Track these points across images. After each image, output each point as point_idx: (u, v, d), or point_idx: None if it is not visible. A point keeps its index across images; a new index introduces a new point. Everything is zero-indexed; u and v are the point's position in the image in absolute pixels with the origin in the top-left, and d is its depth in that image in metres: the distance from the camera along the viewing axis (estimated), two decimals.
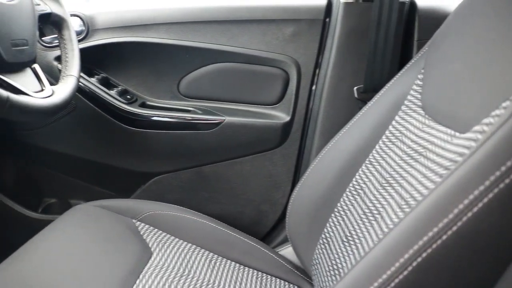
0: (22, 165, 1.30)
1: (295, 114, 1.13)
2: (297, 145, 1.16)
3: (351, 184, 0.75)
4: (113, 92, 1.14)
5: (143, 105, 1.18)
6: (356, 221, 0.70)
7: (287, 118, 1.13)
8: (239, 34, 1.11)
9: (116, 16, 1.14)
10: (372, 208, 0.67)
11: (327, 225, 0.78)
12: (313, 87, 1.12)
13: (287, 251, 1.04)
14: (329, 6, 1.08)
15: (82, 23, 1.12)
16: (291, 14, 1.09)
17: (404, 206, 0.57)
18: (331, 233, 0.76)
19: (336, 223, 0.75)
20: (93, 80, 1.13)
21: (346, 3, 1.03)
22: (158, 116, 1.13)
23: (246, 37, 1.11)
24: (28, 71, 0.83)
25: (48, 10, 0.90)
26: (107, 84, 1.17)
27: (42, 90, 0.81)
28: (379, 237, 0.60)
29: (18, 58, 0.78)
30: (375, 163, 0.72)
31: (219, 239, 0.95)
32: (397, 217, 0.58)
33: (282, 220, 1.24)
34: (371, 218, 0.66)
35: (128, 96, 1.16)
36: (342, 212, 0.75)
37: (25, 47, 0.79)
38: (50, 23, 0.92)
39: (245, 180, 1.18)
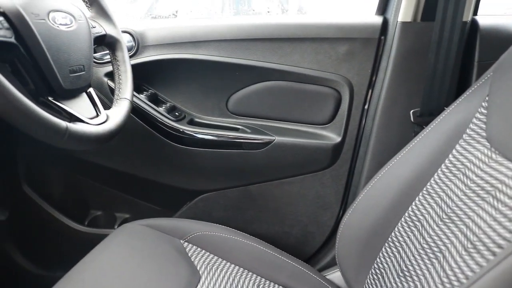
0: (70, 178, 1.36)
1: (347, 135, 1.14)
2: (347, 167, 1.16)
3: (406, 214, 0.75)
4: (161, 109, 1.17)
5: (191, 122, 1.20)
6: (413, 256, 0.70)
7: (338, 139, 1.14)
8: (290, 52, 1.12)
9: (166, 33, 1.17)
10: (432, 244, 0.67)
11: (380, 254, 0.78)
12: (366, 108, 1.13)
13: (335, 275, 1.05)
14: (384, 24, 1.08)
15: (132, 40, 1.17)
16: (345, 32, 1.09)
17: (472, 250, 0.58)
18: (385, 264, 0.76)
19: (391, 254, 0.76)
20: (142, 96, 1.17)
21: (404, 22, 1.03)
22: (206, 134, 1.16)
23: (297, 55, 1.12)
24: (84, 96, 0.85)
25: (103, 32, 0.92)
26: (155, 100, 1.21)
27: (97, 115, 0.83)
28: (443, 279, 0.60)
29: (75, 84, 0.80)
30: (434, 195, 0.72)
31: (266, 262, 0.97)
32: (463, 260, 0.58)
33: (329, 242, 1.25)
34: (432, 255, 0.66)
35: (177, 113, 1.19)
36: (397, 243, 0.75)
37: (82, 73, 0.81)
38: (104, 44, 0.94)
39: (293, 200, 1.19)
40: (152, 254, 0.92)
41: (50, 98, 0.75)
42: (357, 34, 1.08)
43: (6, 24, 0.68)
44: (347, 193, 1.19)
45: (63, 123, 0.68)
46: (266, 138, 1.13)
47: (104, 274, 0.84)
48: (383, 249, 0.78)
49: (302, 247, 1.23)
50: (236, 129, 1.18)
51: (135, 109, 1.15)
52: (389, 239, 0.76)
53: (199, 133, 1.16)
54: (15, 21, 0.69)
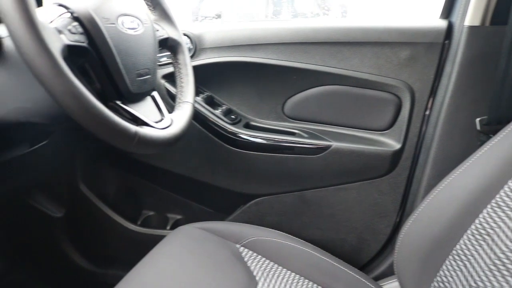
0: (125, 178, 1.41)
1: (406, 142, 1.13)
2: (406, 175, 1.15)
3: (473, 227, 0.74)
4: (218, 112, 1.20)
5: (247, 126, 1.22)
6: (483, 271, 0.69)
7: (397, 145, 1.13)
8: (350, 57, 1.12)
9: (224, 36, 1.19)
10: (506, 261, 0.66)
11: (444, 267, 0.78)
12: (428, 115, 1.12)
13: (392, 286, 1.05)
14: (449, 28, 1.06)
15: (190, 42, 1.20)
16: (407, 37, 1.08)
17: None
18: (449, 278, 0.76)
19: (456, 268, 0.75)
20: (198, 99, 1.19)
21: (472, 27, 1.00)
22: (263, 138, 1.18)
23: (357, 59, 1.12)
24: (148, 99, 0.87)
25: (166, 35, 0.94)
26: (211, 103, 1.23)
27: (162, 119, 0.85)
28: None
29: (142, 88, 0.82)
30: (505, 207, 0.71)
31: (323, 270, 0.98)
32: None
33: (384, 251, 1.24)
34: (506, 273, 0.65)
35: (233, 116, 1.21)
36: (463, 257, 0.74)
37: (147, 76, 0.83)
38: (166, 47, 0.96)
39: (349, 207, 1.19)
40: (210, 258, 0.94)
41: (118, 102, 0.78)
42: (420, 39, 1.07)
43: (80, 29, 0.72)
44: (405, 201, 1.18)
45: (132, 128, 0.71)
46: (323, 143, 1.14)
47: (164, 276, 0.86)
48: (447, 262, 0.77)
49: (357, 255, 1.23)
50: (293, 134, 1.19)
51: None
52: (454, 251, 0.76)
53: (255, 136, 1.17)
54: (88, 26, 0.72)
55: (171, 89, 1.17)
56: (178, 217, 1.39)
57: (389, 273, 1.20)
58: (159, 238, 1.25)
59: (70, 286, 1.45)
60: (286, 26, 1.17)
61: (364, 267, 1.25)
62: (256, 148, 1.17)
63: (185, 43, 1.00)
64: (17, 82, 0.74)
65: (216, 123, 1.17)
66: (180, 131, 0.85)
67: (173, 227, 1.37)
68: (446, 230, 0.77)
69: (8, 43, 0.74)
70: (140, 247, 1.30)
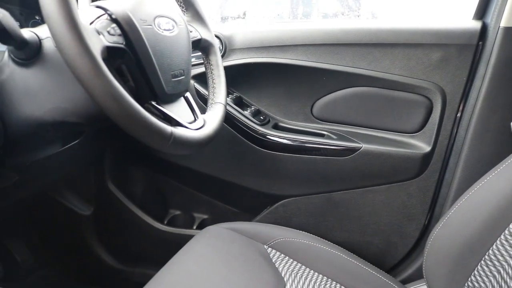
0: (152, 178, 1.43)
1: (437, 144, 1.12)
2: (435, 178, 1.14)
3: (507, 232, 0.74)
4: (247, 113, 1.20)
5: (276, 127, 1.22)
6: None
7: (427, 148, 1.12)
8: (381, 58, 1.11)
9: (253, 37, 1.20)
10: None
11: (475, 272, 0.77)
12: (459, 117, 1.11)
13: None
14: (483, 30, 1.05)
15: (220, 43, 1.21)
16: (440, 38, 1.07)
17: None
18: (482, 284, 0.75)
19: (489, 273, 0.75)
20: (227, 99, 1.21)
21: (508, 28, 0.99)
22: (291, 140, 1.18)
23: (388, 61, 1.11)
24: (181, 100, 0.88)
25: (199, 37, 0.94)
26: (240, 103, 1.24)
27: (195, 120, 0.86)
28: None
29: (176, 89, 0.83)
30: None
31: (351, 273, 0.98)
32: None
33: (412, 254, 1.24)
34: None
35: (261, 117, 1.21)
36: (496, 262, 0.74)
37: (182, 77, 0.84)
38: (199, 48, 0.97)
39: (377, 209, 1.19)
40: (238, 258, 0.94)
41: (153, 103, 0.78)
42: (453, 40, 1.06)
43: (118, 31, 0.73)
44: (434, 205, 1.17)
45: (168, 129, 0.71)
46: (353, 145, 1.13)
47: (193, 276, 0.86)
48: (479, 267, 0.76)
49: (383, 258, 1.23)
50: (322, 135, 1.19)
51: None
52: (486, 256, 0.75)
53: (283, 138, 1.18)
54: (126, 28, 0.73)
55: (201, 89, 1.18)
56: (204, 216, 1.40)
57: (416, 276, 1.20)
58: (186, 237, 1.27)
59: (97, 283, 1.47)
60: (316, 27, 1.17)
61: (390, 270, 1.24)
62: (284, 149, 1.17)
63: (217, 44, 1.00)
64: (55, 82, 0.76)
65: (245, 123, 1.18)
66: (213, 132, 0.85)
67: (199, 226, 1.38)
68: (478, 234, 0.77)
69: (47, 44, 0.75)
70: (167, 246, 1.32)
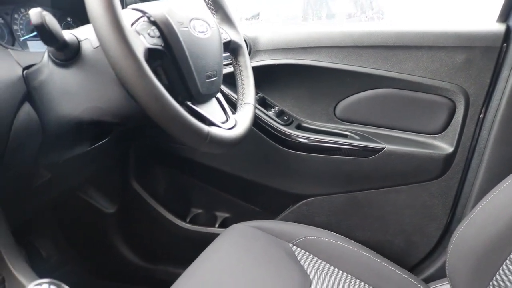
0: (175, 176, 1.45)
1: (459, 145, 1.13)
2: (458, 178, 1.15)
3: None
4: (271, 113, 1.22)
5: (299, 127, 1.24)
6: None
7: (450, 149, 1.14)
8: (404, 60, 1.13)
9: (278, 39, 1.22)
10: None
11: (500, 271, 0.78)
12: (482, 119, 1.12)
13: None
14: (508, 32, 1.05)
15: (245, 45, 1.23)
16: (464, 41, 1.08)
17: None
18: (507, 283, 0.76)
19: None
20: None
21: None
22: (315, 140, 1.20)
23: (412, 63, 1.13)
24: (214, 101, 0.90)
25: (228, 38, 0.96)
26: (263, 104, 1.25)
27: (227, 120, 0.87)
28: None
29: (210, 90, 0.85)
30: None
31: (374, 271, 0.99)
32: None
33: (433, 253, 1.25)
34: None
35: (285, 118, 1.23)
36: None
37: (215, 78, 0.86)
38: (228, 50, 0.98)
39: (399, 209, 1.20)
40: (264, 256, 0.96)
41: (188, 103, 0.81)
42: (477, 43, 1.07)
43: (157, 33, 0.75)
44: (456, 205, 1.18)
45: (205, 128, 0.73)
46: (376, 145, 1.15)
47: (221, 273, 0.88)
48: (504, 266, 0.77)
49: (405, 257, 1.24)
50: (345, 136, 1.20)
51: None
52: (511, 255, 0.76)
53: (307, 138, 1.19)
54: (165, 30, 0.75)
55: (225, 90, 1.20)
56: (226, 215, 1.42)
57: (437, 276, 1.21)
58: (208, 235, 1.29)
59: (120, 280, 1.49)
60: (340, 29, 1.18)
61: (412, 269, 1.26)
62: (308, 149, 1.19)
63: (245, 46, 1.02)
64: (93, 82, 0.78)
65: (269, 124, 1.20)
66: (245, 132, 0.87)
67: (222, 225, 1.40)
68: (503, 233, 0.77)
69: (86, 45, 0.77)
70: (189, 244, 1.34)
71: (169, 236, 1.40)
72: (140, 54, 0.64)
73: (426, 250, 1.22)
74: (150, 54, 0.70)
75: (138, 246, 1.46)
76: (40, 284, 0.55)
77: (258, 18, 2.42)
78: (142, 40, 0.70)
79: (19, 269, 0.77)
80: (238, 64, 1.01)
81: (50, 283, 0.56)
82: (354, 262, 1.00)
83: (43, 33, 0.69)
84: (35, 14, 0.68)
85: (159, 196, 1.40)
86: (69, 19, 1.09)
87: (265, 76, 1.22)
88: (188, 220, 1.41)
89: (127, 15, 0.74)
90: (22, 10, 0.98)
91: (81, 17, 1.11)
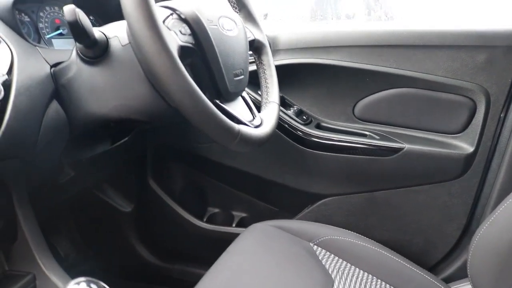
0: (192, 175, 1.45)
1: (480, 145, 1.13)
2: (478, 178, 1.15)
3: None
4: (290, 112, 1.22)
5: (318, 127, 1.24)
6: None
7: (470, 149, 1.13)
8: (424, 60, 1.13)
9: (298, 38, 1.22)
10: None
11: None
12: (503, 118, 1.12)
13: None
14: None
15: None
16: (485, 40, 1.08)
17: None
18: None
19: None
20: None
21: None
22: (334, 139, 1.20)
23: (432, 63, 1.12)
24: (240, 99, 0.90)
25: (252, 37, 0.96)
26: (283, 103, 1.25)
27: (253, 118, 0.88)
28: None
29: (237, 88, 0.86)
30: None
31: (395, 271, 0.99)
32: None
33: (452, 253, 1.25)
34: None
35: (304, 117, 1.23)
36: None
37: (242, 77, 0.86)
38: (252, 49, 0.98)
39: (418, 209, 1.20)
40: (286, 255, 0.96)
41: (217, 101, 0.81)
42: (498, 42, 1.07)
43: (188, 30, 0.75)
44: (476, 205, 1.18)
45: (236, 127, 0.73)
46: (396, 145, 1.15)
47: (245, 273, 0.88)
48: None
49: (424, 257, 1.24)
50: (364, 135, 1.20)
51: None
52: None
53: (327, 137, 1.20)
54: (195, 27, 0.76)
55: (247, 89, 1.20)
56: (243, 215, 1.42)
57: (457, 276, 1.20)
58: (225, 235, 1.29)
59: (136, 278, 1.50)
60: (360, 29, 1.19)
61: (431, 269, 1.25)
62: (327, 148, 1.19)
63: (268, 45, 1.02)
64: (121, 80, 0.78)
65: (289, 123, 1.20)
66: (271, 131, 0.87)
67: (239, 224, 1.40)
68: None
69: (114, 43, 0.78)
70: (206, 244, 1.34)
71: (186, 235, 1.41)
72: (174, 51, 0.65)
73: (445, 250, 1.22)
74: (182, 51, 0.71)
75: (154, 245, 1.46)
76: (78, 282, 0.56)
77: (266, 18, 2.43)
78: (175, 37, 0.71)
79: (49, 268, 0.78)
80: (262, 63, 1.01)
81: (88, 281, 0.56)
82: (375, 262, 1.00)
83: (76, 29, 0.70)
84: (70, 11, 0.68)
85: (176, 195, 1.41)
86: (91, 18, 1.09)
87: (284, 75, 1.22)
88: (205, 219, 1.41)
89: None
90: (47, 8, 0.99)
91: (102, 15, 1.11)
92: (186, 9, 0.76)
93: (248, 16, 0.99)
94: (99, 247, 1.45)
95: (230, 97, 0.84)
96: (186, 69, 0.78)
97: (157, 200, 1.39)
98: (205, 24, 0.76)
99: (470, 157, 1.13)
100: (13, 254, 0.78)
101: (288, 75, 1.23)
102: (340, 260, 0.99)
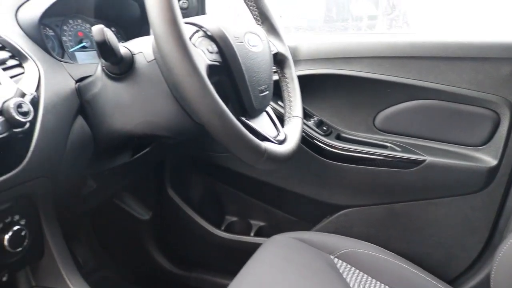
0: (210, 184, 1.45)
1: (503, 158, 1.12)
2: (501, 191, 1.13)
3: None
4: (310, 123, 1.22)
5: (338, 137, 1.24)
6: None
7: (493, 162, 1.12)
8: (447, 72, 1.11)
9: (318, 48, 1.21)
10: None
11: None
12: None
13: None
14: None
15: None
16: (510, 52, 1.07)
17: None
18: None
19: None
20: None
21: None
22: (355, 151, 1.19)
23: (455, 75, 1.11)
24: (264, 115, 0.90)
25: (275, 50, 0.96)
26: (303, 114, 1.26)
27: (278, 134, 0.87)
28: None
29: (262, 104, 0.85)
30: None
31: (415, 284, 0.97)
32: None
33: (474, 267, 1.24)
34: None
35: (324, 128, 1.23)
36: None
37: (267, 93, 0.86)
38: (275, 62, 0.97)
39: (439, 222, 1.19)
40: (308, 269, 0.96)
41: (243, 118, 0.80)
42: None
43: (215, 48, 0.75)
44: (498, 218, 1.17)
45: (263, 145, 0.73)
46: (417, 157, 1.14)
47: (267, 286, 0.88)
48: None
49: (444, 270, 1.23)
50: (385, 147, 1.19)
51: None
52: None
53: (347, 149, 1.19)
54: (222, 45, 0.75)
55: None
56: (262, 224, 1.42)
57: None
58: (243, 244, 1.29)
59: (154, 286, 1.50)
60: (382, 40, 1.18)
61: (451, 282, 1.24)
62: (347, 159, 1.19)
63: (291, 57, 1.01)
64: (146, 96, 0.78)
65: (309, 134, 1.20)
66: (296, 146, 0.86)
67: (257, 234, 1.40)
68: None
69: (139, 59, 0.78)
70: (224, 252, 1.34)
71: (204, 244, 1.41)
72: (203, 71, 0.64)
73: (466, 263, 1.21)
74: (209, 70, 0.71)
75: (172, 253, 1.47)
76: None
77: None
78: (203, 56, 0.70)
79: (76, 284, 0.78)
80: (284, 76, 1.00)
81: None
82: (396, 275, 0.99)
83: (104, 49, 0.70)
84: (98, 31, 0.69)
85: (194, 203, 1.41)
86: (113, 29, 1.10)
87: (304, 86, 1.21)
88: (223, 228, 1.41)
89: None
90: (71, 21, 1.00)
91: (124, 27, 1.12)
92: (212, 26, 0.76)
93: (271, 28, 0.99)
94: (117, 255, 1.46)
95: (255, 114, 0.84)
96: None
97: (175, 208, 1.40)
98: (232, 42, 0.76)
99: (493, 170, 1.12)
100: (40, 270, 0.79)
101: (308, 86, 1.22)
102: (361, 273, 0.99)
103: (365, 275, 0.99)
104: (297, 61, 1.22)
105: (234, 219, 1.44)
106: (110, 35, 0.70)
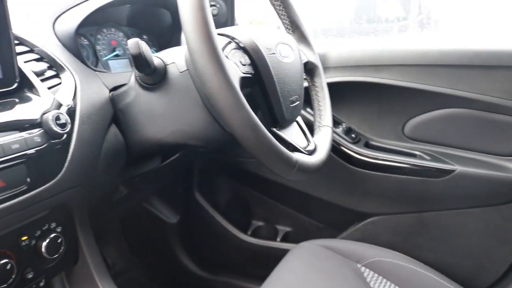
0: (237, 188, 1.47)
1: None
2: None
3: None
4: (339, 131, 1.22)
5: (367, 145, 1.23)
6: None
7: None
8: (479, 80, 1.10)
9: (348, 55, 1.21)
10: None
11: None
12: None
13: None
14: None
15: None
16: None
17: None
18: None
19: None
20: None
21: None
22: (383, 159, 1.18)
23: (487, 83, 1.09)
24: (295, 125, 0.89)
25: (306, 59, 0.96)
26: None
27: (308, 144, 0.87)
28: None
29: (293, 115, 0.85)
30: None
31: None
32: None
33: (504, 279, 1.22)
34: None
35: (353, 135, 1.23)
36: None
37: (297, 103, 0.86)
38: (305, 71, 0.96)
39: (469, 232, 1.17)
40: (334, 277, 0.96)
41: (274, 129, 0.81)
42: None
43: (248, 60, 0.76)
44: None
45: (294, 157, 0.73)
46: (447, 167, 1.13)
47: None
48: None
49: (473, 281, 1.21)
50: (414, 155, 1.19)
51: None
52: None
53: (375, 157, 1.19)
54: (255, 57, 0.76)
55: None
56: (288, 229, 1.42)
57: None
58: (269, 249, 1.30)
59: None
60: (413, 47, 1.17)
61: None
62: (376, 168, 1.18)
63: (321, 66, 1.01)
64: (178, 106, 0.80)
65: (338, 141, 1.20)
66: (326, 157, 0.86)
67: (283, 239, 1.41)
68: None
69: (172, 70, 0.79)
70: (251, 257, 1.35)
71: (230, 248, 1.42)
72: (237, 84, 0.65)
73: (496, 275, 1.19)
74: (242, 82, 0.71)
75: (199, 257, 1.49)
76: None
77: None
78: (236, 69, 0.71)
79: None
80: (314, 85, 1.00)
81: None
82: (423, 286, 0.99)
83: (139, 61, 0.72)
84: (133, 44, 0.70)
85: (221, 207, 1.43)
86: (144, 37, 1.12)
87: (333, 93, 1.21)
88: (249, 233, 1.42)
89: None
90: (104, 30, 1.02)
91: (156, 35, 1.14)
92: (244, 37, 0.76)
93: (302, 37, 0.99)
94: (145, 257, 1.49)
95: (285, 124, 0.84)
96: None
97: (202, 212, 1.41)
98: (264, 53, 0.76)
99: None
100: (74, 275, 0.81)
101: (338, 93, 1.22)
102: (388, 283, 0.99)
103: (392, 284, 0.99)
104: (326, 68, 1.22)
105: (261, 224, 1.45)
106: (145, 47, 0.71)
